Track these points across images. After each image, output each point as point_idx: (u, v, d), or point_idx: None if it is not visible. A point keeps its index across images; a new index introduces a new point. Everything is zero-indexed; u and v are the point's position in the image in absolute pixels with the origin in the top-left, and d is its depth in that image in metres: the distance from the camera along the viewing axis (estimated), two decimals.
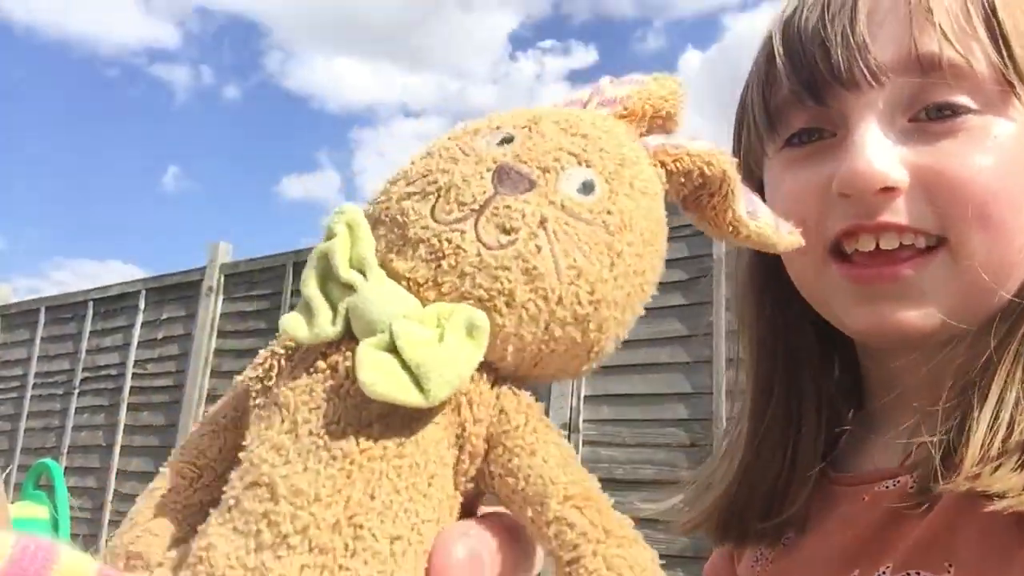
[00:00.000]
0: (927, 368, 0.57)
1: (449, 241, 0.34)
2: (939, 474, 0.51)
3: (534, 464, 0.33)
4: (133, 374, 6.23)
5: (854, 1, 0.57)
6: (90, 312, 6.72)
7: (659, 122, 0.43)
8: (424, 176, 0.36)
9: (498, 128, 0.38)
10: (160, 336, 6.21)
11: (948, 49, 0.54)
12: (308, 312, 0.34)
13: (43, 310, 7.11)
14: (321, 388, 0.32)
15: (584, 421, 4.11)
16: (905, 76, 0.55)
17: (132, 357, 6.28)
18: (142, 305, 6.38)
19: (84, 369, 6.61)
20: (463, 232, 0.34)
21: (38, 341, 7.03)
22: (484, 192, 0.34)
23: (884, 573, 0.54)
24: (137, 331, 6.34)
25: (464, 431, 0.33)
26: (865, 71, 0.55)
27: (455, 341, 0.32)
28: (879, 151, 0.55)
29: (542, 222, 0.34)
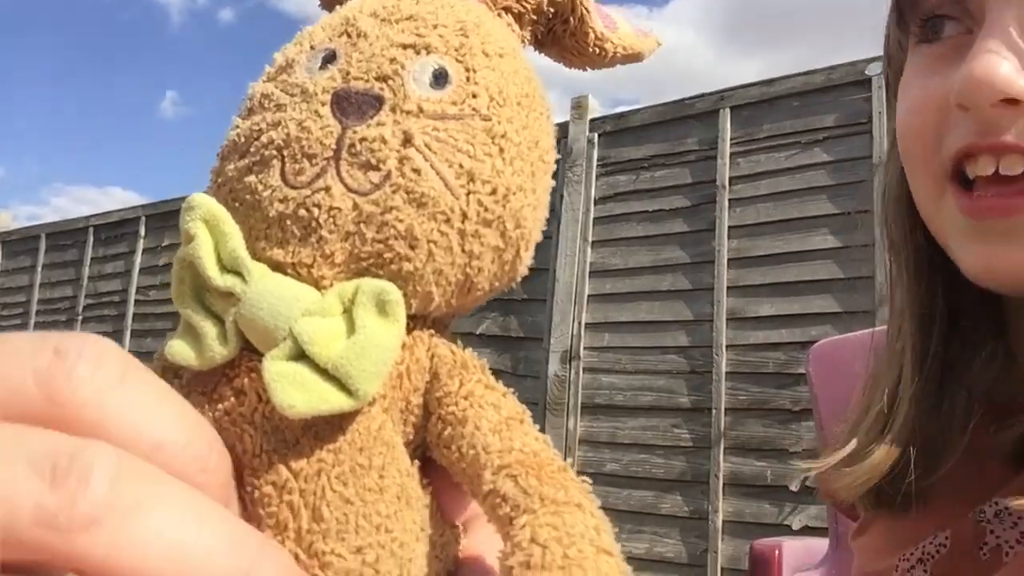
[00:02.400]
0: None
1: (318, 206, 0.29)
2: None
3: (466, 433, 0.30)
4: (136, 300, 6.26)
5: None
6: (91, 239, 6.71)
7: None
8: (256, 139, 0.31)
9: (313, 48, 0.32)
10: (161, 262, 6.21)
11: None
12: (192, 334, 0.29)
13: (44, 236, 7.10)
14: (230, 422, 0.28)
15: (584, 348, 4.14)
16: None
17: (135, 283, 6.29)
18: (142, 232, 6.36)
19: (87, 296, 6.63)
20: (327, 189, 0.29)
21: (40, 268, 7.04)
22: (330, 132, 0.30)
23: (1001, 506, 0.51)
24: (139, 258, 6.34)
25: (408, 404, 0.30)
26: None
27: (369, 325, 0.28)
28: (1005, 55, 0.46)
29: (407, 140, 0.29)
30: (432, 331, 0.32)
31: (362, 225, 0.29)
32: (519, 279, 0.34)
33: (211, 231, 0.29)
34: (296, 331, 0.28)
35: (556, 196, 4.35)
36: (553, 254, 4.29)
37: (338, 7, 0.34)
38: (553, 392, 4.14)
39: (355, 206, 0.29)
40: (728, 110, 3.93)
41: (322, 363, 0.27)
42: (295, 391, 0.27)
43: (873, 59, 3.33)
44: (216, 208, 0.30)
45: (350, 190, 0.29)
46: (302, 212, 0.29)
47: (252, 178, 0.30)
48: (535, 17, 0.36)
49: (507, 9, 0.35)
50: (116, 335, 6.28)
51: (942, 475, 0.56)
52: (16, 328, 7.02)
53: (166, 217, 6.28)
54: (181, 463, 0.23)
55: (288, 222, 0.29)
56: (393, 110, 0.30)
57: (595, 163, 4.32)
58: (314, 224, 0.29)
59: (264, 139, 0.30)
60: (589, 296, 4.21)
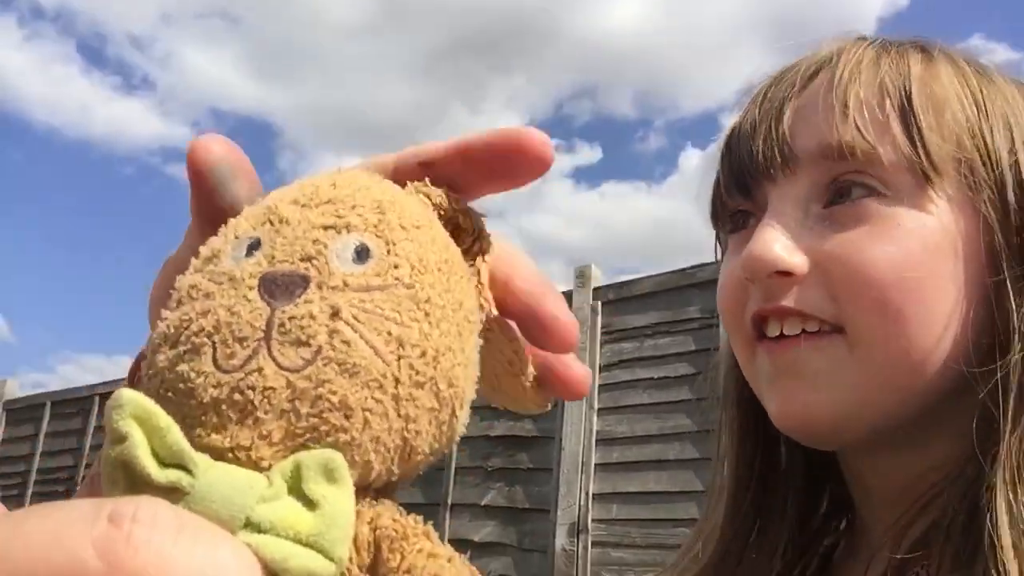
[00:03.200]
0: (887, 475, 0.58)
1: (252, 388, 0.29)
2: None
3: None
4: None
5: (782, 101, 0.60)
6: (96, 407, 6.68)
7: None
8: (186, 328, 0.31)
9: (237, 237, 0.33)
10: None
11: (859, 139, 0.55)
12: None
13: (48, 405, 7.09)
14: None
15: (593, 521, 4.02)
16: (820, 164, 0.57)
17: None
18: None
19: (87, 466, 6.53)
20: (260, 370, 0.29)
21: (42, 437, 6.98)
22: (260, 314, 0.30)
23: None
24: None
25: None
26: (779, 160, 0.57)
27: (327, 496, 0.29)
28: (776, 235, 0.56)
29: (335, 313, 0.30)
30: (373, 501, 0.32)
31: (296, 402, 0.29)
32: (457, 439, 0.35)
33: (143, 427, 0.29)
34: (256, 520, 0.27)
35: None
36: (559, 422, 4.26)
37: (260, 199, 0.36)
38: (560, 567, 3.99)
39: (288, 383, 0.29)
40: None
41: (293, 541, 0.27)
42: (283, 548, 0.27)
43: None
44: (147, 403, 0.29)
45: (282, 368, 0.29)
46: (236, 396, 0.29)
47: (184, 367, 0.30)
48: (441, 212, 0.37)
49: (426, 196, 0.37)
50: None
51: None
52: (13, 499, 6.88)
53: None
54: None
55: (224, 407, 0.29)
56: (320, 287, 0.31)
57: (599, 331, 4.37)
58: (249, 407, 0.29)
59: (194, 327, 0.31)
60: (596, 465, 4.14)
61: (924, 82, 0.57)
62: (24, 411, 7.32)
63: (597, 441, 4.17)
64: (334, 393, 0.29)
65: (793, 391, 0.56)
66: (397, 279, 0.32)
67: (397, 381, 0.30)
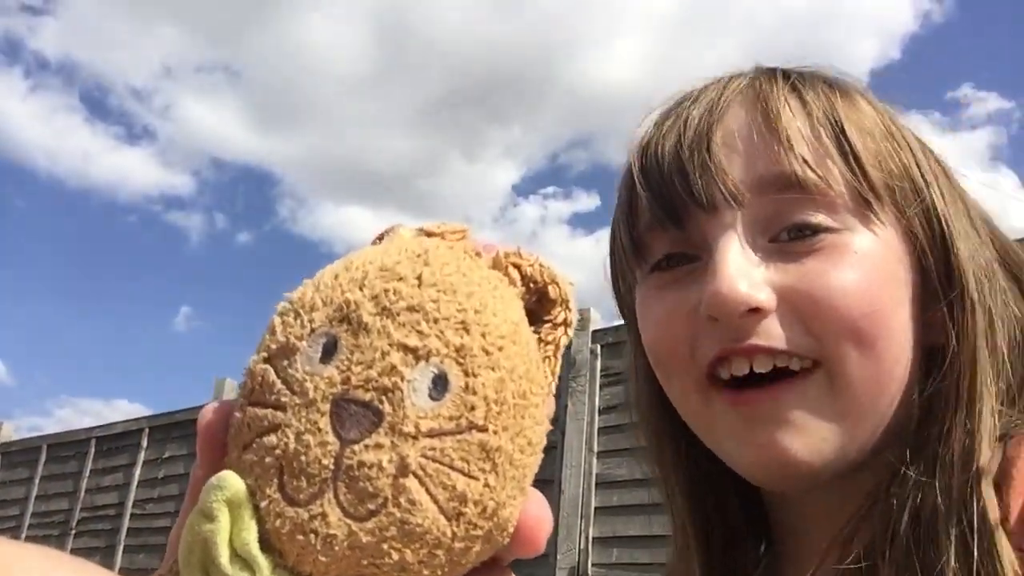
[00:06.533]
0: (823, 508, 0.58)
1: (314, 532, 0.30)
2: None
3: None
4: (132, 514, 6.09)
5: (708, 128, 0.58)
6: (92, 450, 6.64)
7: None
8: (258, 435, 0.31)
9: (313, 331, 0.32)
10: (161, 475, 6.11)
11: (806, 169, 0.55)
12: None
13: (45, 448, 7.04)
14: None
15: (593, 565, 3.98)
16: (763, 195, 0.56)
17: (132, 496, 6.16)
18: (144, 443, 6.31)
19: (82, 509, 6.47)
20: (324, 515, 0.30)
21: (37, 479, 6.92)
22: (329, 452, 0.30)
23: None
24: (138, 470, 6.24)
25: None
26: (724, 192, 0.56)
27: None
28: (742, 272, 0.54)
29: (404, 468, 0.30)
30: None
31: (357, 550, 0.30)
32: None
33: (231, 512, 0.30)
34: None
35: (560, 406, 4.35)
36: (558, 466, 4.23)
37: (337, 272, 0.34)
38: None
39: (350, 532, 0.30)
40: None
41: None
42: None
43: None
44: (242, 493, 0.30)
45: (346, 515, 0.30)
46: (299, 536, 0.30)
47: (252, 482, 0.31)
48: (531, 284, 0.37)
49: (514, 265, 0.36)
50: (108, 551, 6.07)
51: None
52: None
53: (169, 428, 6.24)
54: None
55: (285, 538, 0.30)
56: (392, 429, 0.30)
57: (598, 374, 4.36)
58: (310, 548, 0.30)
59: (266, 441, 0.31)
60: (596, 509, 4.10)
61: (848, 114, 0.59)
62: (20, 454, 7.26)
63: (597, 484, 4.14)
64: (395, 551, 0.30)
65: (772, 440, 0.54)
66: (471, 423, 0.31)
67: (454, 537, 0.30)
